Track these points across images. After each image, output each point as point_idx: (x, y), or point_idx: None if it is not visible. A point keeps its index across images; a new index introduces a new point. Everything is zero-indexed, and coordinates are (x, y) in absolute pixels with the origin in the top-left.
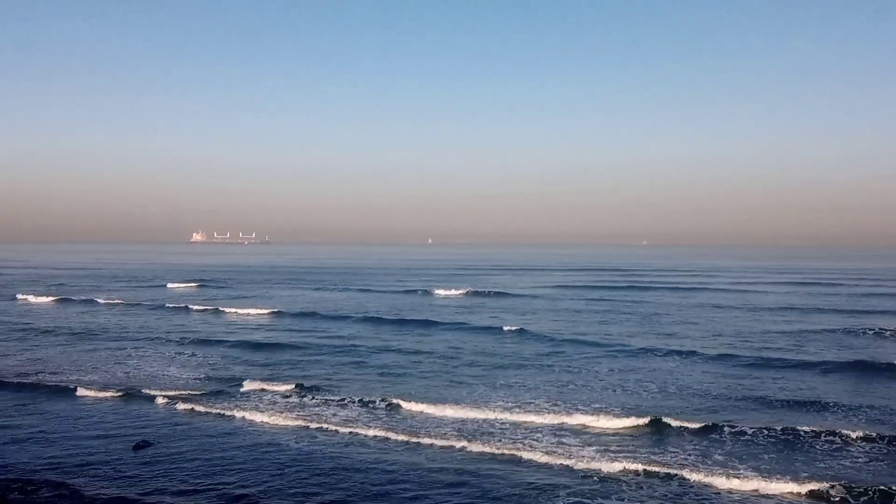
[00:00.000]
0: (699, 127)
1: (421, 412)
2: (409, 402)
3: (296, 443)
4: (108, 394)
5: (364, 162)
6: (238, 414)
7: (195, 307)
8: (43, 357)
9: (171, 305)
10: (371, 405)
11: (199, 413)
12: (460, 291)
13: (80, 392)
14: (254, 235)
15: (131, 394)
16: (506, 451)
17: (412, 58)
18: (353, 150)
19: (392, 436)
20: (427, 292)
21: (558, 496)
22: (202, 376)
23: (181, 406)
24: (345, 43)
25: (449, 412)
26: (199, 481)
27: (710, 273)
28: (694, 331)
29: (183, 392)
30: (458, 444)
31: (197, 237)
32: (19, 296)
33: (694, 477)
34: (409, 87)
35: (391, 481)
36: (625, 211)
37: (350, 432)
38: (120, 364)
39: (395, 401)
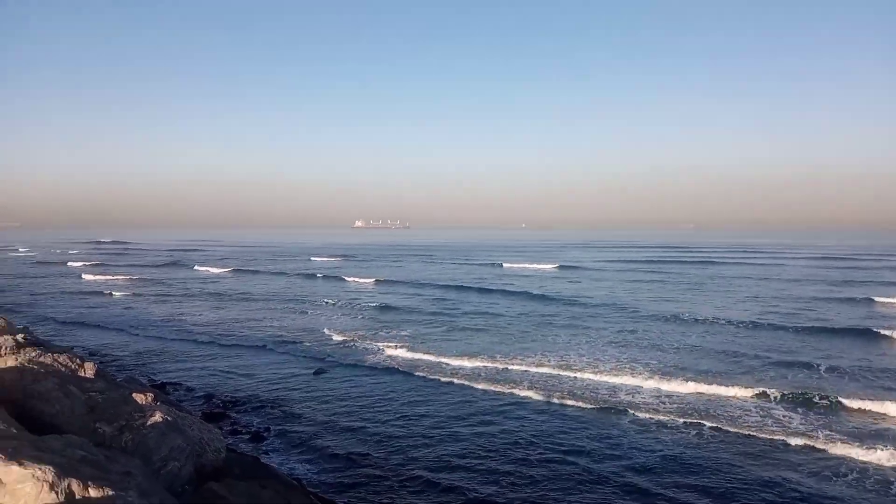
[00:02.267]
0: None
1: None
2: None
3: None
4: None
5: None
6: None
7: (335, 275)
8: (235, 316)
9: (320, 275)
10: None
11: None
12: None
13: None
14: (398, 222)
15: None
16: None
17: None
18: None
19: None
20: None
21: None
22: (356, 325)
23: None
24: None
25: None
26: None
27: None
28: None
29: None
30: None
31: (359, 223)
32: (198, 267)
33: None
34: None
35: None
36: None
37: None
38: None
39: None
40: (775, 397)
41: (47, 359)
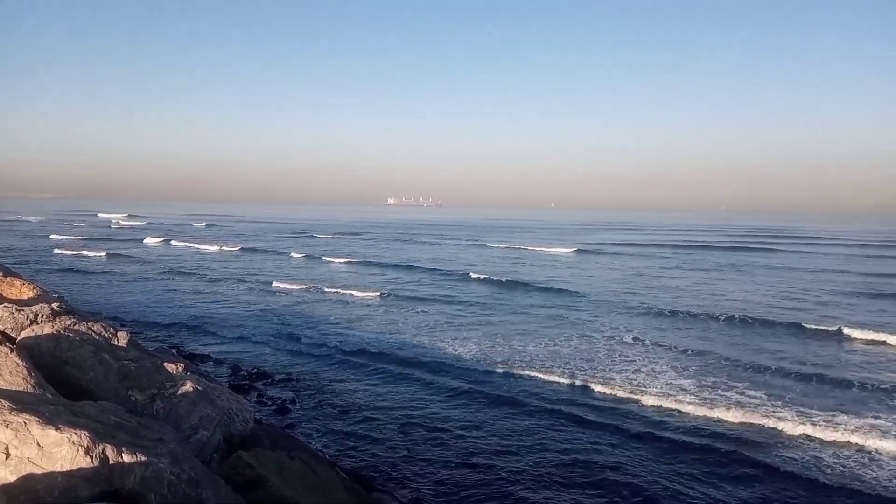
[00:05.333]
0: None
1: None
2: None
3: None
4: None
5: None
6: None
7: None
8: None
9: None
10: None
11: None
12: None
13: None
14: (431, 200)
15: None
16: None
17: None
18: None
19: None
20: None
21: None
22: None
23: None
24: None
25: None
26: None
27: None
28: None
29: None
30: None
31: (391, 201)
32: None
33: None
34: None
35: None
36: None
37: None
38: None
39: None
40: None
41: (82, 327)
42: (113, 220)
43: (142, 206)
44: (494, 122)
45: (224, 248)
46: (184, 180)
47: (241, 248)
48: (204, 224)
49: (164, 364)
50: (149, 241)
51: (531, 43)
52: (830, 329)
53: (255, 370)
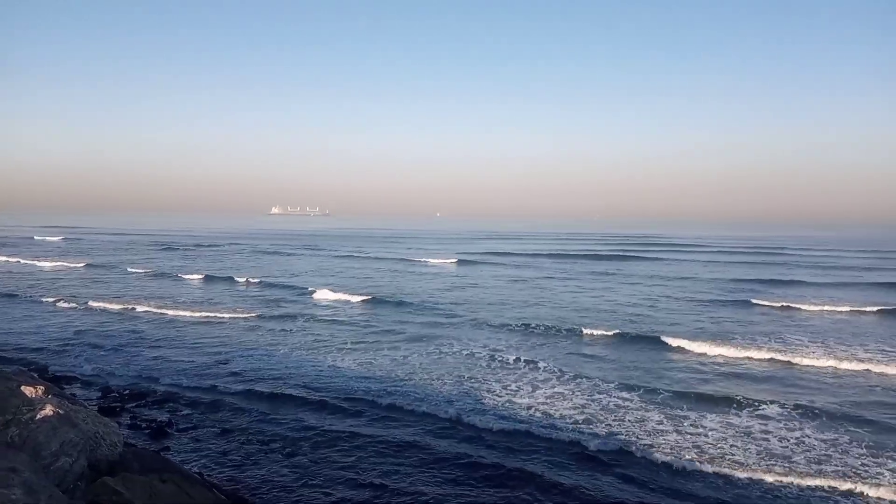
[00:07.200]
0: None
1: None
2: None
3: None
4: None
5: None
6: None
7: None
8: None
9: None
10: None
11: None
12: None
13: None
14: (318, 208)
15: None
16: None
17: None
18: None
19: None
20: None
21: None
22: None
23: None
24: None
25: None
26: None
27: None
28: None
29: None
30: None
31: (276, 210)
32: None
33: None
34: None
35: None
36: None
37: None
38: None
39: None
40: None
41: None
42: None
43: None
44: (384, 129)
45: (67, 263)
46: (59, 189)
47: (87, 265)
48: (60, 238)
49: (22, 387)
50: None
51: (396, 48)
52: (651, 336)
53: (127, 392)
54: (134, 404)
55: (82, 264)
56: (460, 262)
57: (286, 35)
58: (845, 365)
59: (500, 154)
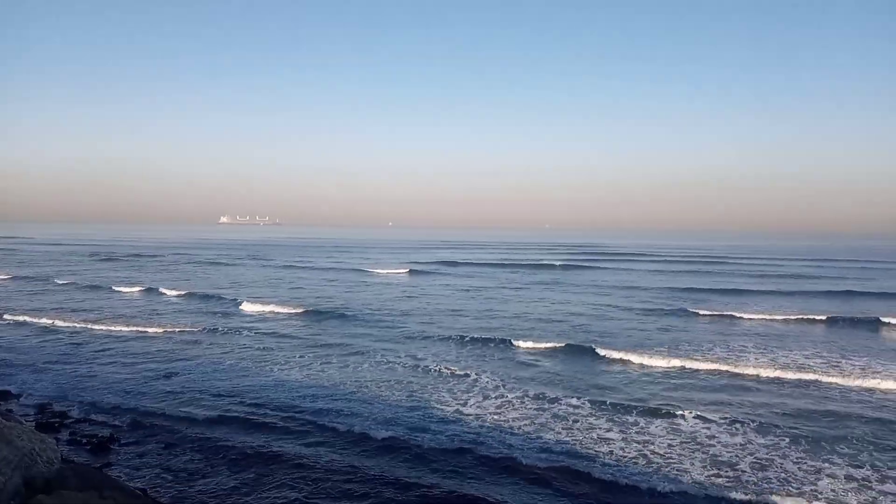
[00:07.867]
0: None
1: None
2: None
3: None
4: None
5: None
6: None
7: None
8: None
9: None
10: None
11: None
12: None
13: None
14: (268, 218)
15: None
16: None
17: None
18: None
19: None
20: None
21: None
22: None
23: None
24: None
25: None
26: None
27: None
28: None
29: None
30: None
31: (224, 219)
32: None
33: None
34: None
35: None
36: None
37: None
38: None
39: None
40: None
41: None
42: None
43: None
44: (336, 139)
45: None
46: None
47: (13, 277)
48: None
49: None
50: None
51: (360, 53)
52: (597, 345)
53: (66, 408)
54: (73, 420)
55: (9, 276)
56: (412, 272)
57: (232, 41)
58: (787, 374)
59: (451, 166)
